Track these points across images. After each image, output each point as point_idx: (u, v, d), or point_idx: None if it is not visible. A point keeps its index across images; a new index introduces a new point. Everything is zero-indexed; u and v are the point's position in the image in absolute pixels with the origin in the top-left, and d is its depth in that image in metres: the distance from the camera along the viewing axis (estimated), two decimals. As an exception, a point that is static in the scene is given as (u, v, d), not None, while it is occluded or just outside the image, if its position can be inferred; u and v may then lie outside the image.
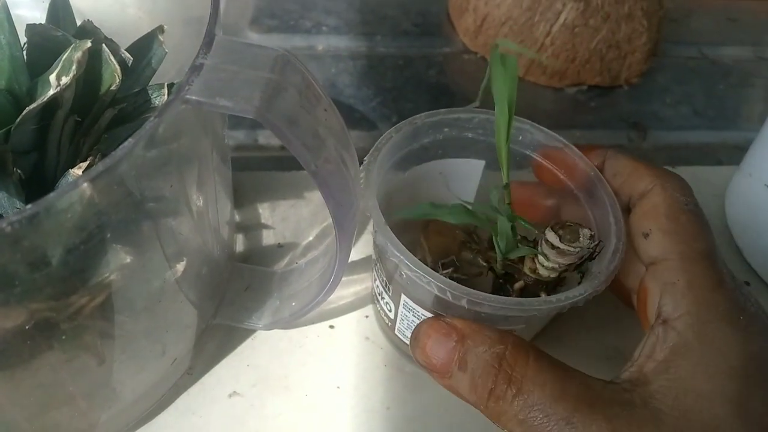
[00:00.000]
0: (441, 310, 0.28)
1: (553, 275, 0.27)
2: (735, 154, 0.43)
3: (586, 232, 0.26)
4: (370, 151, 0.30)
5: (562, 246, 0.26)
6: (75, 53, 0.22)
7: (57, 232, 0.20)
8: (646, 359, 0.24)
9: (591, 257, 0.27)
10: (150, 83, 0.28)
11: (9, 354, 0.22)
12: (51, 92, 0.23)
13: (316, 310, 0.33)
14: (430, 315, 0.28)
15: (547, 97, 0.52)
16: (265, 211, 0.38)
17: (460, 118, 0.32)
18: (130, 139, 0.19)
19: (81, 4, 0.30)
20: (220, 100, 0.21)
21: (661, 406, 0.23)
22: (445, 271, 0.31)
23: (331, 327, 0.34)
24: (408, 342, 0.29)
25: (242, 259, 0.35)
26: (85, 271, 0.22)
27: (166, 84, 0.27)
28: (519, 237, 0.29)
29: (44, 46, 0.25)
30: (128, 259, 0.23)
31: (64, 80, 0.22)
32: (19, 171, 0.25)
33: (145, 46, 0.28)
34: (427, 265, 0.26)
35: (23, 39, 0.25)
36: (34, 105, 0.23)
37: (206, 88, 0.21)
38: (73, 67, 0.22)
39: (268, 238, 0.37)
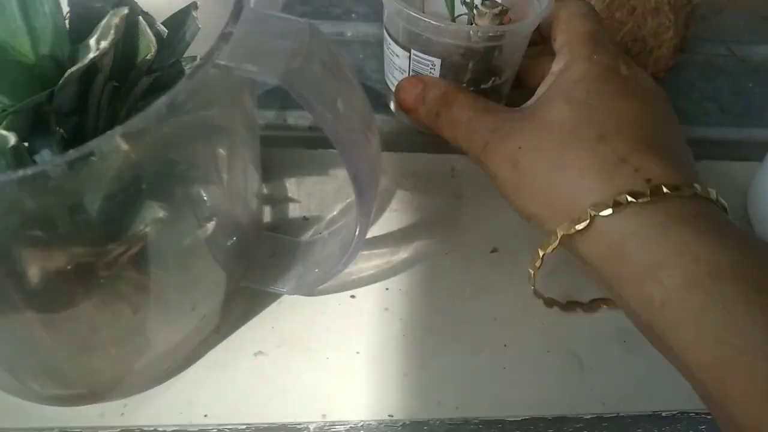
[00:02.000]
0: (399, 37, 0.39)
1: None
2: (762, 151, 0.43)
3: (499, 8, 0.37)
4: None
5: (480, 7, 0.37)
6: (113, 19, 0.24)
7: (95, 180, 0.22)
8: (536, 98, 0.35)
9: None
10: (183, 56, 0.30)
11: (52, 296, 0.24)
12: (90, 56, 0.24)
13: (339, 280, 0.35)
14: (397, 47, 0.39)
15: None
16: (292, 186, 0.40)
17: None
18: (163, 97, 0.21)
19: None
20: (247, 65, 0.22)
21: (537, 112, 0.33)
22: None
23: (352, 297, 0.35)
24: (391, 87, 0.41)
25: (270, 229, 0.37)
26: (121, 220, 0.23)
27: (198, 57, 0.29)
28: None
29: (85, 16, 0.27)
30: (161, 214, 0.24)
31: (103, 44, 0.24)
32: (61, 130, 0.27)
33: (179, 21, 0.30)
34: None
35: (66, 9, 0.27)
36: (75, 68, 0.25)
37: (234, 54, 0.23)
38: (111, 32, 0.24)
39: (294, 211, 0.39)
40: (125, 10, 0.24)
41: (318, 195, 0.40)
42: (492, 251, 0.38)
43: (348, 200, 0.39)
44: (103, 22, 0.24)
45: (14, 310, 0.24)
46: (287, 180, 0.40)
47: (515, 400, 0.33)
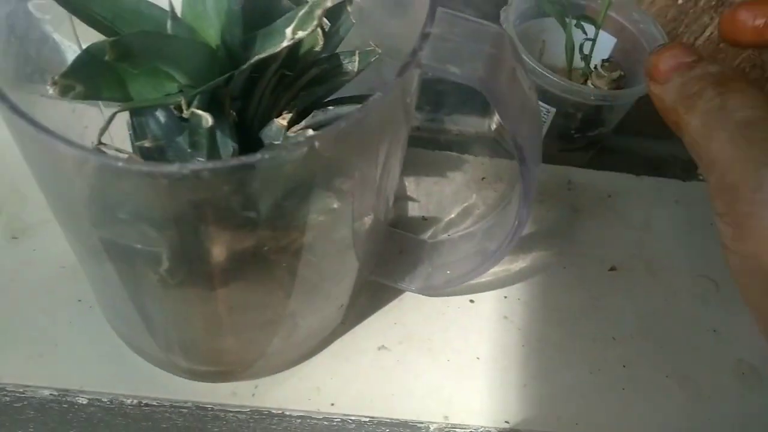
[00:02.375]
0: None
1: None
2: None
3: (618, 73, 0.40)
4: None
5: (600, 69, 0.40)
6: (317, 10, 0.24)
7: (292, 169, 0.22)
8: None
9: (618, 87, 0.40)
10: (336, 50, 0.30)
11: (226, 275, 0.24)
12: (284, 44, 0.25)
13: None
14: None
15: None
16: (410, 185, 0.40)
17: None
18: (377, 93, 0.21)
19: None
20: (449, 66, 0.22)
21: None
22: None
23: (471, 301, 0.35)
24: None
25: (392, 226, 0.37)
26: (303, 208, 0.24)
27: (357, 51, 0.29)
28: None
29: (257, 3, 0.28)
30: (336, 205, 0.25)
31: (300, 34, 0.24)
32: (234, 114, 0.27)
33: (335, 15, 0.30)
34: None
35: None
36: (266, 53, 0.25)
37: (435, 55, 0.23)
38: (314, 23, 0.24)
39: (413, 210, 0.39)
40: (329, 2, 0.24)
41: (436, 196, 0.40)
42: (610, 269, 0.38)
43: (465, 204, 0.39)
44: (302, 12, 0.24)
45: (184, 285, 0.25)
46: (406, 178, 0.40)
47: (633, 422, 0.33)
